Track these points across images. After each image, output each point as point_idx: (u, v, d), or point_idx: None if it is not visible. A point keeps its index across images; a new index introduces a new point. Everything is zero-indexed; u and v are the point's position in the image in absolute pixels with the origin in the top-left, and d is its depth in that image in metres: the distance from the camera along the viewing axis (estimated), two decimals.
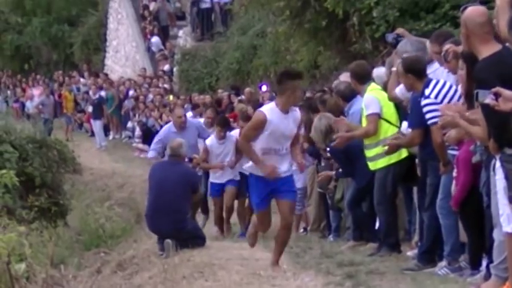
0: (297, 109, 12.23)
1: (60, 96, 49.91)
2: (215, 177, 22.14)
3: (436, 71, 14.76)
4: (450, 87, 14.23)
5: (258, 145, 11.71)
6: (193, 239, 19.45)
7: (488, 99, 10.48)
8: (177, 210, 19.52)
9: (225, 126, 22.23)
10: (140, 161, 31.84)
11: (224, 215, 22.44)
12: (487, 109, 11.10)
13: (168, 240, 18.93)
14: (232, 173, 21.65)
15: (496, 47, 11.53)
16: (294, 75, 11.66)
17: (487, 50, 11.41)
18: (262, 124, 11.37)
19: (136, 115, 41.07)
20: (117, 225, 23.92)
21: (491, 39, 11.86)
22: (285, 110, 11.81)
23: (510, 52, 11.19)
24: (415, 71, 14.51)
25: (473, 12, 12.15)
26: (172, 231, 19.13)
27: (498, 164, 11.35)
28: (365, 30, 20.63)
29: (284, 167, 12.21)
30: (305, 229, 22.19)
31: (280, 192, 11.86)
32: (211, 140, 21.98)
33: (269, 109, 11.55)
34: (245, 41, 37.81)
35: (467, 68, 12.45)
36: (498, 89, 10.53)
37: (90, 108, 45.71)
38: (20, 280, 13.46)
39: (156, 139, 21.94)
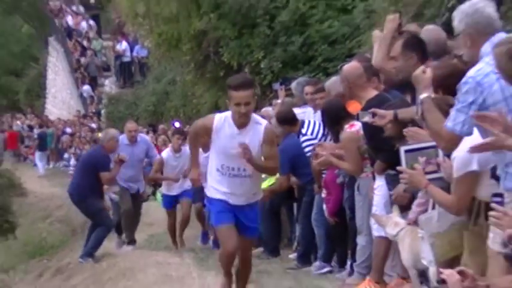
0: (263, 123, 9.79)
1: (9, 135, 49.55)
2: (167, 190, 20.08)
3: (306, 112, 14.84)
4: (320, 125, 14.40)
5: (212, 161, 9.60)
6: (95, 217, 18.73)
7: (367, 118, 10.68)
8: (79, 184, 19.04)
9: (183, 135, 19.57)
10: None
11: (178, 227, 19.99)
12: (365, 126, 11.30)
13: None
14: (185, 183, 18.83)
15: (374, 92, 11.63)
16: (236, 85, 9.43)
17: (367, 95, 11.50)
18: (205, 128, 9.54)
19: (72, 148, 40.94)
20: (56, 237, 23.92)
21: (368, 86, 11.89)
22: (239, 124, 9.44)
23: (385, 96, 11.31)
24: (288, 121, 14.52)
25: (350, 68, 12.22)
26: (75, 202, 19.22)
27: (380, 182, 11.46)
28: (255, 79, 20.61)
29: (245, 194, 9.77)
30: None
31: (240, 225, 9.76)
32: (167, 153, 19.77)
33: (222, 117, 9.48)
34: (159, 88, 37.71)
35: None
36: (374, 109, 10.74)
37: (35, 142, 45.63)
38: None
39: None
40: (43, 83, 55.92)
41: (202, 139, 9.74)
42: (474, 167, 8.28)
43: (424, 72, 8.60)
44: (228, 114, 9.55)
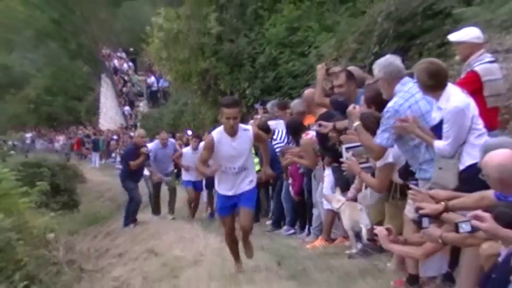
0: (250, 129, 9.46)
1: (75, 140, 49.41)
2: (186, 176, 19.05)
3: (278, 123, 14.76)
4: (286, 133, 14.42)
5: (218, 163, 9.21)
6: (128, 194, 18.66)
7: (315, 127, 10.76)
8: (120, 171, 19.54)
9: (199, 138, 19.13)
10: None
11: (192, 205, 19.08)
12: (317, 133, 11.35)
13: None
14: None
15: (324, 110, 11.53)
16: (226, 104, 9.11)
17: (319, 111, 11.44)
18: (210, 145, 9.04)
19: (117, 149, 40.80)
20: (106, 211, 23.74)
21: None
22: (230, 133, 9.03)
23: (331, 112, 11.26)
24: (264, 130, 13.82)
25: (308, 93, 12.25)
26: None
27: (328, 172, 11.50)
28: (242, 101, 20.25)
29: (242, 183, 9.29)
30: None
31: (240, 203, 9.23)
32: (187, 150, 19.42)
33: (217, 132, 9.12)
34: (176, 108, 37.33)
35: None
36: (319, 122, 10.73)
37: (91, 145, 45.58)
38: (51, 243, 13.31)
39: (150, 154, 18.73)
40: (97, 105, 55.60)
41: (209, 154, 9.10)
42: (390, 159, 8.52)
43: (354, 108, 8.86)
44: (220, 129, 9.17)
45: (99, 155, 44.32)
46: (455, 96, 7.03)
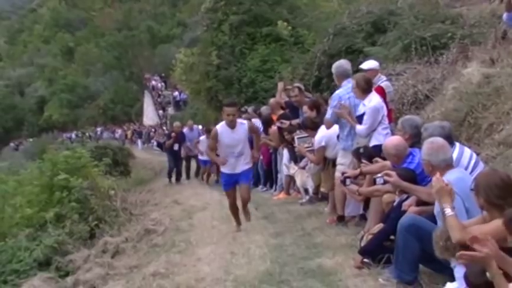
0: (245, 123, 8.47)
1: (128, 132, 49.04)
2: (201, 157, 17.72)
3: (255, 122, 14.52)
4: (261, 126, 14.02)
5: (222, 149, 8.22)
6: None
7: (278, 124, 10.69)
8: None
9: (209, 131, 16.31)
10: (157, 154, 31.16)
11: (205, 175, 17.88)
12: (278, 128, 11.24)
13: None
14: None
15: (281, 111, 11.46)
16: (228, 104, 8.29)
17: (279, 112, 11.32)
18: (215, 135, 8.09)
19: (155, 138, 40.39)
20: (148, 177, 23.54)
21: (278, 110, 11.76)
22: (231, 126, 8.05)
23: (287, 113, 11.18)
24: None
25: (273, 101, 12.27)
26: None
27: (285, 151, 11.29)
28: None
29: (241, 164, 8.19)
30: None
31: (240, 180, 8.18)
32: (203, 138, 17.40)
33: (220, 125, 8.21)
34: (192, 111, 36.52)
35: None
36: (281, 120, 10.65)
37: (136, 135, 45.59)
38: (112, 197, 13.21)
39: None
40: (142, 110, 55.28)
41: (215, 142, 8.11)
42: (323, 143, 8.43)
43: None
44: (223, 123, 8.16)
45: (141, 141, 44.02)
46: (375, 99, 7.02)
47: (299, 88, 10.89)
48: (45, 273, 9.68)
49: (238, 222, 8.69)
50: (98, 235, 11.36)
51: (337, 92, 7.66)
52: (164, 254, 8.02)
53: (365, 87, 7.05)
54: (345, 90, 7.50)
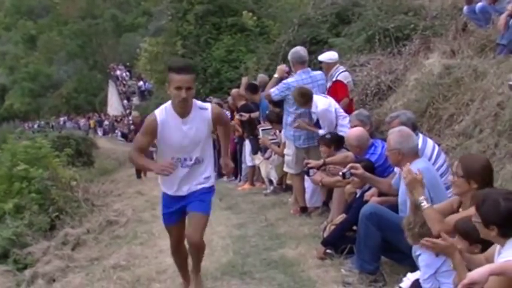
0: (208, 107, 4.81)
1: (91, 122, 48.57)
2: None
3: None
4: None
5: (163, 152, 4.77)
6: None
7: (238, 116, 10.54)
8: None
9: None
10: (121, 145, 30.88)
11: None
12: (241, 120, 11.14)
13: None
14: None
15: (243, 102, 11.24)
16: (177, 68, 4.57)
17: (241, 103, 11.14)
18: (151, 128, 4.60)
19: (118, 128, 40.11)
20: (112, 166, 23.33)
21: (241, 99, 11.58)
22: (181, 111, 4.60)
23: (249, 104, 11.10)
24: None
25: (234, 92, 12.05)
26: None
27: (247, 142, 11.24)
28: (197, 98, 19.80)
29: (195, 180, 4.74)
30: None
31: (190, 207, 4.73)
32: None
33: (162, 111, 4.67)
34: (157, 101, 36.02)
35: None
36: (240, 113, 10.50)
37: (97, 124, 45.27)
38: (74, 187, 12.98)
39: None
40: (106, 100, 54.72)
41: (149, 140, 4.72)
42: (284, 139, 8.39)
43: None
44: (167, 105, 4.71)
45: (102, 129, 43.51)
46: (319, 103, 7.11)
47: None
48: (3, 266, 9.51)
49: (186, 280, 5.22)
50: (58, 226, 11.14)
51: (288, 80, 7.63)
52: (126, 245, 7.91)
53: (303, 101, 7.16)
54: (296, 79, 7.48)
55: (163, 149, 4.74)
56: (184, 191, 4.79)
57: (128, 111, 47.07)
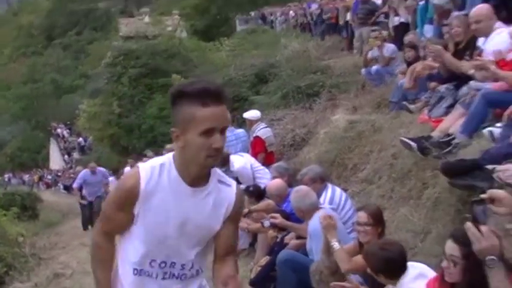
0: (233, 185, 1.91)
1: (34, 177, 46.67)
2: None
3: None
4: None
5: (128, 253, 1.81)
6: None
7: None
8: None
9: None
10: (64, 197, 29.66)
11: None
12: None
13: None
14: None
15: None
16: (204, 93, 1.75)
17: None
18: (130, 192, 1.74)
19: (61, 181, 38.74)
20: (56, 218, 22.21)
21: None
22: (196, 177, 1.77)
23: None
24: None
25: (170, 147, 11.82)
26: None
27: None
28: (133, 153, 19.66)
29: None
30: None
31: None
32: (112, 179, 14.56)
33: (156, 167, 1.74)
34: (96, 155, 35.55)
35: None
36: None
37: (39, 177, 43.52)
38: (21, 243, 12.57)
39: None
40: (48, 156, 53.41)
41: (122, 219, 1.90)
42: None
43: None
44: (166, 161, 1.95)
45: (44, 182, 42.62)
46: (236, 162, 7.24)
47: None
48: None
49: None
50: (8, 282, 10.67)
51: None
52: None
53: (221, 163, 7.09)
54: None
55: (139, 236, 2.11)
56: None
57: (69, 165, 45.89)
